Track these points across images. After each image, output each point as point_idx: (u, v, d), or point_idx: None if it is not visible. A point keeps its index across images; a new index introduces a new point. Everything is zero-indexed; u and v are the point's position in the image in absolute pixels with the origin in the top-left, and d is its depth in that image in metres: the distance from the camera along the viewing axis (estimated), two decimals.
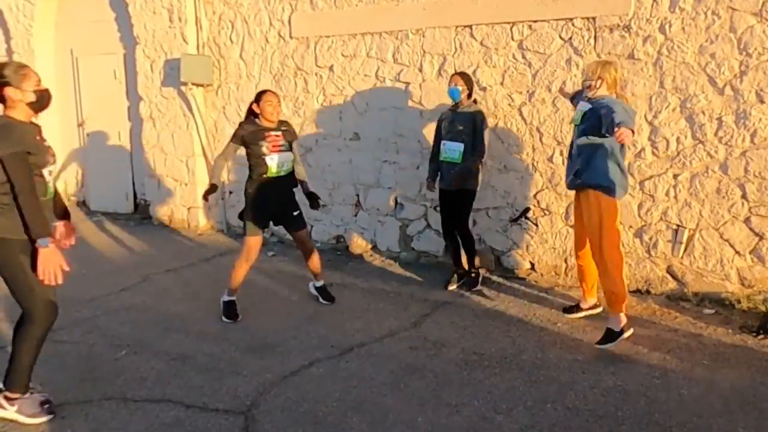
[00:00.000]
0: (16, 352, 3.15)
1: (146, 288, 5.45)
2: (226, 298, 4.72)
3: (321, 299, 4.97)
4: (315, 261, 4.91)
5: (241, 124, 4.60)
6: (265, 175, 4.52)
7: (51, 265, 3.00)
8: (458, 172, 4.93)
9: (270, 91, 4.59)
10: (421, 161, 5.74)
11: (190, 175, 7.48)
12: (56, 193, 3.34)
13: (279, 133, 4.57)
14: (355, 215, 6.43)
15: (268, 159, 4.48)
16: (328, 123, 6.39)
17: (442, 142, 5.02)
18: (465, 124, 4.90)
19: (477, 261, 5.38)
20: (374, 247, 6.34)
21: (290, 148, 4.63)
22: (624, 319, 4.02)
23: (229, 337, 4.31)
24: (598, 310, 4.51)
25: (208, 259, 6.36)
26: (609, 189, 3.94)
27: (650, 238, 4.89)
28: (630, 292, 4.91)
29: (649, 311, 4.63)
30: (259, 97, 4.56)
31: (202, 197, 4.55)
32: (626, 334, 4.02)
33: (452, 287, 5.22)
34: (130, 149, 8.24)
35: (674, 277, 4.85)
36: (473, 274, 5.25)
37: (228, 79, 7.08)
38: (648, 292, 4.93)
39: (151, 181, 7.85)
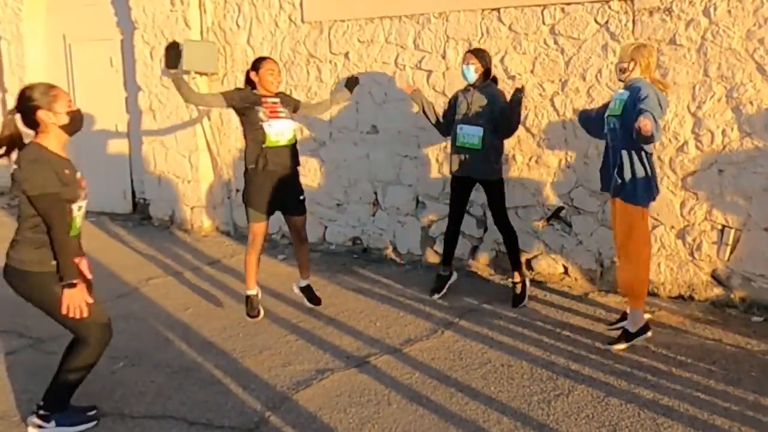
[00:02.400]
0: (64, 374, 3.35)
1: (145, 294, 5.64)
2: (246, 292, 4.95)
3: (306, 301, 5.12)
4: (304, 254, 5.07)
5: (236, 89, 4.78)
6: (263, 145, 4.64)
7: (76, 302, 3.19)
8: (480, 161, 5.03)
9: (270, 58, 4.77)
10: (445, 157, 5.91)
11: (193, 171, 7.71)
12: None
13: (276, 100, 4.74)
14: (373, 215, 6.64)
15: (265, 126, 4.62)
16: (344, 115, 6.58)
17: (458, 126, 5.09)
18: (484, 106, 4.98)
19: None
20: (393, 250, 6.54)
21: (290, 117, 4.77)
22: (643, 320, 4.23)
23: (236, 348, 4.48)
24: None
25: (212, 263, 6.58)
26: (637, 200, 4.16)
27: (693, 240, 5.03)
28: (672, 298, 5.10)
29: (692, 319, 4.76)
30: (258, 64, 4.71)
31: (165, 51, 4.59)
32: (646, 335, 4.23)
33: (440, 294, 5.33)
34: (128, 144, 8.49)
35: (719, 281, 4.99)
36: (519, 285, 5.19)
37: (234, 68, 7.30)
38: (691, 298, 5.07)
39: (151, 178, 8.10)
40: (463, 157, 5.10)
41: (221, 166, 7.61)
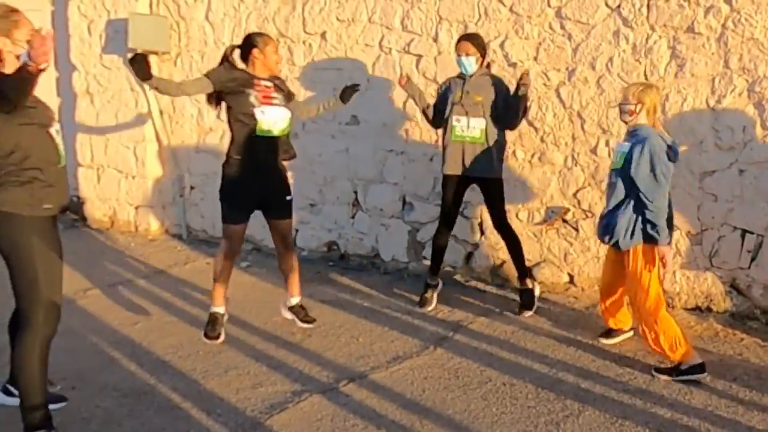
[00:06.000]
0: (22, 366, 3.54)
1: (84, 307, 5.70)
2: (211, 308, 4.98)
3: (299, 322, 5.12)
4: (293, 265, 5.11)
5: (219, 66, 4.77)
6: (253, 134, 4.68)
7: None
8: (481, 156, 5.29)
9: (266, 34, 4.90)
10: (435, 152, 6.17)
11: (138, 165, 7.86)
12: None
13: (270, 84, 4.80)
14: (353, 217, 6.88)
15: (257, 111, 4.66)
16: None
17: (455, 117, 5.31)
18: (485, 95, 5.26)
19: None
20: (376, 256, 6.79)
21: (284, 104, 4.83)
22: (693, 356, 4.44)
23: (196, 368, 4.55)
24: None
25: (162, 271, 6.72)
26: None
27: (711, 246, 5.37)
28: (688, 309, 5.42)
29: (710, 332, 5.09)
30: (256, 40, 4.77)
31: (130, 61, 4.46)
32: (700, 374, 4.40)
33: (430, 307, 5.59)
34: (58, 131, 8.58)
35: (740, 291, 5.33)
36: (526, 290, 5.51)
37: (190, 46, 7.50)
38: (709, 309, 5.40)
39: (87, 172, 8.23)
40: (460, 151, 5.34)
41: (172, 160, 7.78)
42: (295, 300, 5.19)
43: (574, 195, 5.86)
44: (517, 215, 6.06)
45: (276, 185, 4.95)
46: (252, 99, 4.68)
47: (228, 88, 4.71)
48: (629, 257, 4.46)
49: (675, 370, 4.38)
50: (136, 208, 8.01)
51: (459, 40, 5.38)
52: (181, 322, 5.42)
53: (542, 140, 5.91)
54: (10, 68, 3.34)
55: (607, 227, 4.53)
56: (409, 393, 4.21)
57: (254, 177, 4.79)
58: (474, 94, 5.29)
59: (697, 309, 5.45)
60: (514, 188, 5.93)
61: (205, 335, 4.88)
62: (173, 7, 7.55)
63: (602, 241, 4.69)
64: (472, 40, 5.32)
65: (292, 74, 6.92)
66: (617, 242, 4.46)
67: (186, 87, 4.84)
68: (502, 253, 5.88)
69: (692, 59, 5.28)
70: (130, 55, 4.87)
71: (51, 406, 3.71)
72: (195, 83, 4.81)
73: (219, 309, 4.97)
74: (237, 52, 4.86)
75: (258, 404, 4.06)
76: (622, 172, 4.40)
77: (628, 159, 4.36)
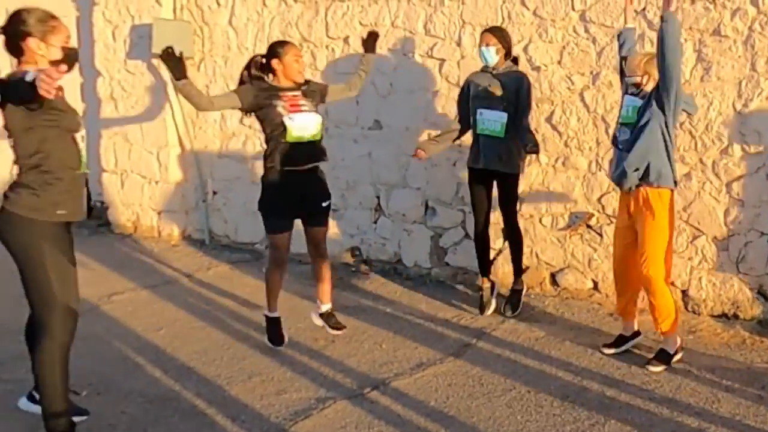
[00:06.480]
0: (43, 374, 3.57)
1: (108, 313, 5.78)
2: (266, 312, 5.08)
3: (328, 328, 5.20)
4: (326, 272, 5.16)
5: (245, 83, 4.86)
6: (284, 141, 4.74)
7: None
8: (501, 151, 5.35)
9: (291, 43, 4.95)
10: (459, 156, 6.22)
11: (162, 170, 7.97)
12: None
13: (297, 93, 4.85)
14: (375, 222, 6.93)
15: (286, 119, 4.72)
16: (342, 108, 6.81)
17: (478, 110, 5.39)
18: (506, 88, 5.33)
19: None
20: (399, 262, 6.83)
21: (314, 110, 4.88)
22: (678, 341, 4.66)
23: (220, 374, 4.62)
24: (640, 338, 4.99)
25: (185, 276, 6.80)
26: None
27: (738, 251, 5.36)
28: (714, 316, 5.42)
29: (737, 339, 5.09)
30: (278, 50, 4.81)
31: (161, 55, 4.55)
32: (677, 357, 4.64)
33: (490, 311, 5.65)
34: (84, 137, 8.69)
35: (767, 298, 5.33)
36: (517, 291, 5.67)
37: (213, 52, 7.60)
38: (735, 316, 5.39)
39: (111, 177, 8.35)
40: (482, 145, 5.42)
41: (195, 165, 7.86)
42: (325, 307, 5.24)
43: (599, 200, 5.87)
44: (540, 220, 6.09)
45: (313, 190, 4.99)
46: (280, 109, 4.74)
47: (256, 106, 4.79)
48: (640, 202, 4.54)
49: (663, 357, 4.58)
50: (159, 213, 8.12)
51: (483, 32, 5.47)
52: (205, 327, 5.49)
53: (566, 145, 5.94)
54: None
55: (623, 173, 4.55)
56: (434, 400, 4.24)
57: (291, 184, 4.84)
58: (496, 88, 5.35)
59: (723, 316, 5.45)
60: (537, 193, 5.99)
61: (270, 341, 5.02)
62: (197, 12, 7.65)
63: (619, 185, 4.70)
64: (494, 31, 5.40)
65: (316, 79, 6.88)
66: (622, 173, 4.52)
67: (217, 102, 4.88)
68: (525, 259, 5.88)
69: (718, 62, 5.28)
70: (159, 50, 4.87)
71: (75, 419, 3.78)
72: (226, 99, 4.87)
73: (275, 314, 5.07)
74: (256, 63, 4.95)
75: (282, 411, 4.11)
76: (633, 126, 4.48)
77: (641, 112, 4.40)
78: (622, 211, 4.76)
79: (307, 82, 4.99)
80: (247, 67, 4.94)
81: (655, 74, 4.41)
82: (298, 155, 4.82)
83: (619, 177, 4.59)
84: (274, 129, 4.78)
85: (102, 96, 8.23)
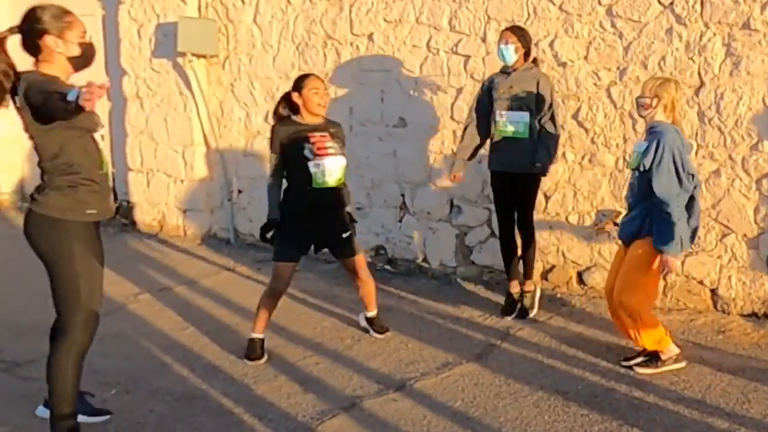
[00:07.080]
0: (55, 374, 3.58)
1: (135, 312, 5.88)
2: (251, 334, 4.93)
3: (372, 332, 5.31)
4: (368, 291, 5.21)
5: (274, 128, 4.83)
6: (307, 187, 4.76)
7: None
8: (523, 152, 5.34)
9: (314, 75, 4.96)
10: (484, 154, 6.17)
11: (187, 169, 8.08)
12: None
13: (325, 133, 4.83)
14: (400, 221, 6.97)
15: (311, 166, 4.72)
16: (367, 105, 6.92)
17: (499, 112, 5.39)
18: (527, 89, 5.34)
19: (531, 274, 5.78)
20: (424, 260, 6.88)
21: (340, 153, 4.86)
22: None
23: (247, 372, 4.68)
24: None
25: (210, 275, 6.89)
26: None
27: None
28: (744, 315, 5.41)
29: (767, 339, 5.07)
30: (300, 83, 4.80)
31: (260, 238, 4.86)
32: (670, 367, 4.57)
33: (512, 316, 5.62)
34: (109, 136, 8.78)
35: None
36: (530, 294, 5.64)
37: (238, 49, 7.68)
38: (766, 315, 5.36)
39: (137, 176, 8.47)
40: (504, 146, 5.43)
41: (220, 163, 7.95)
42: (371, 313, 5.34)
43: (626, 198, 5.78)
44: (567, 218, 6.10)
45: (330, 226, 4.98)
46: (306, 152, 4.74)
47: (286, 147, 4.77)
48: (632, 248, 4.54)
49: (653, 361, 4.56)
50: (185, 212, 8.23)
51: (503, 31, 5.48)
52: (230, 326, 5.57)
53: (593, 141, 5.94)
54: (57, 69, 3.43)
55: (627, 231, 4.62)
56: (460, 400, 4.27)
57: (307, 224, 4.87)
58: (519, 88, 5.37)
59: (753, 315, 5.42)
60: (563, 191, 6.00)
61: (247, 358, 4.87)
62: (221, 10, 7.73)
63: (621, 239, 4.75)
64: (513, 30, 5.42)
65: (340, 77, 7.02)
66: (630, 234, 4.55)
67: (276, 176, 4.88)
68: (552, 258, 5.88)
69: (748, 57, 5.26)
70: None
71: (96, 419, 3.87)
72: (278, 170, 4.86)
73: (259, 335, 4.92)
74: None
75: (309, 410, 4.15)
76: (639, 172, 4.47)
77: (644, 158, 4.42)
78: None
79: (333, 123, 4.99)
80: (275, 109, 4.94)
81: (665, 98, 4.42)
82: (319, 202, 4.84)
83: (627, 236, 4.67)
84: (296, 170, 4.80)
85: (128, 95, 8.36)
